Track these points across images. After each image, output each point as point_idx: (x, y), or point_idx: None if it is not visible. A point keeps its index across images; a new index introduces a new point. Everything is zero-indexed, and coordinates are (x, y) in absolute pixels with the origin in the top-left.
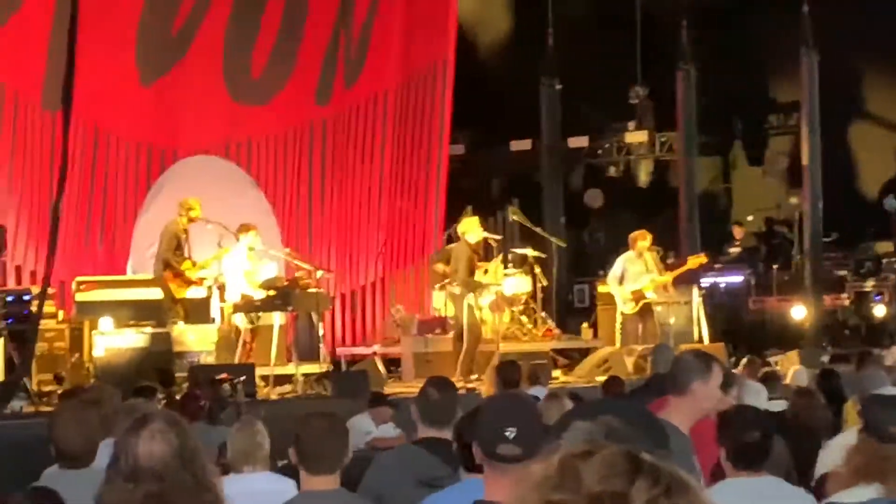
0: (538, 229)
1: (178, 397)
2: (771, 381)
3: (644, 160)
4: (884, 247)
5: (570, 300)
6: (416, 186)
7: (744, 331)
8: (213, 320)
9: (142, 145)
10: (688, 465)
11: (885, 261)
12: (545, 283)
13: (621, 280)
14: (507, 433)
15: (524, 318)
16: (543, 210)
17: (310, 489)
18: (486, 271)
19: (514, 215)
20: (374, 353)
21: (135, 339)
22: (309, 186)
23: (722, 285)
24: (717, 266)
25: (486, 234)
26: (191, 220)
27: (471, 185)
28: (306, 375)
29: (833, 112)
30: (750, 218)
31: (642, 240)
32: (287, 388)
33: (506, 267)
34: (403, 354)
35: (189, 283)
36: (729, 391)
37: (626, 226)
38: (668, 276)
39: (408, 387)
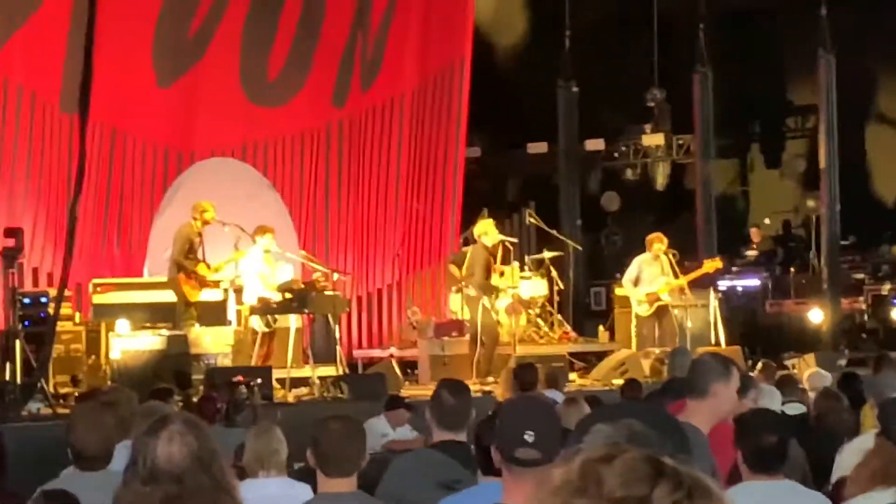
0: (554, 232)
1: (194, 399)
2: (787, 384)
3: (661, 163)
4: None
5: (587, 303)
6: (432, 189)
7: (761, 334)
8: (230, 323)
9: (159, 147)
10: (708, 465)
11: None
12: (561, 285)
13: (636, 282)
14: (526, 437)
15: (541, 321)
16: (560, 213)
17: (327, 491)
18: (502, 274)
19: (530, 218)
20: (391, 356)
21: (151, 341)
22: (325, 188)
23: (739, 288)
24: (734, 269)
25: (502, 237)
26: (205, 222)
27: (487, 188)
28: (323, 378)
29: (850, 115)
30: (767, 221)
31: (658, 242)
32: (303, 390)
33: (522, 270)
34: (420, 357)
35: (203, 286)
36: (746, 395)
37: (643, 228)
38: (684, 280)
39: (424, 389)
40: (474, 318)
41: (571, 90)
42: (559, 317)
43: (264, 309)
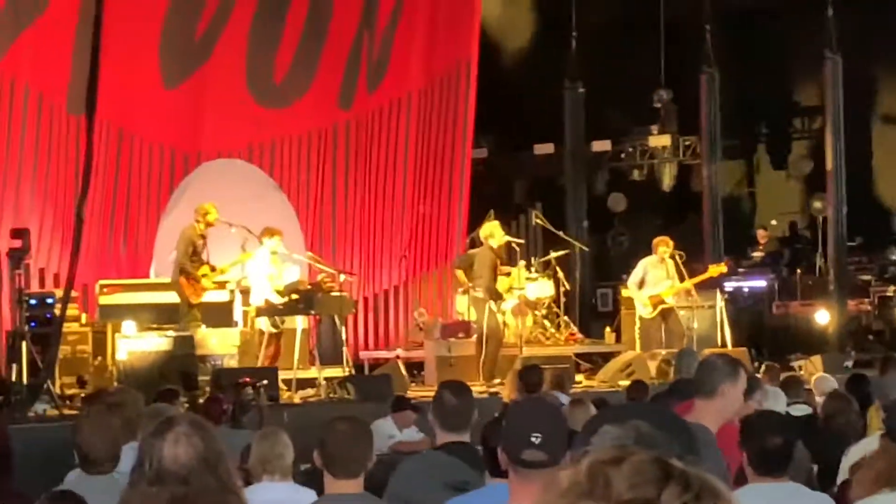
0: (561, 233)
1: (200, 401)
2: (793, 385)
3: (667, 164)
4: None
5: (594, 304)
6: (438, 190)
7: (767, 335)
8: (236, 324)
9: (165, 148)
10: (717, 464)
11: None
12: (568, 287)
13: (641, 284)
14: (532, 438)
15: (547, 323)
16: (566, 214)
17: (334, 492)
18: (508, 275)
19: (536, 219)
20: (397, 357)
21: (158, 342)
22: (332, 189)
23: (745, 290)
24: (740, 270)
25: (508, 238)
26: (208, 224)
27: (494, 189)
28: (329, 379)
29: (857, 116)
30: (774, 222)
31: (663, 246)
32: (310, 391)
33: (529, 271)
34: (426, 358)
35: (206, 288)
36: (752, 396)
37: (650, 230)
38: (688, 283)
39: (431, 391)
40: (481, 319)
41: (578, 91)
42: (565, 318)
43: (271, 310)
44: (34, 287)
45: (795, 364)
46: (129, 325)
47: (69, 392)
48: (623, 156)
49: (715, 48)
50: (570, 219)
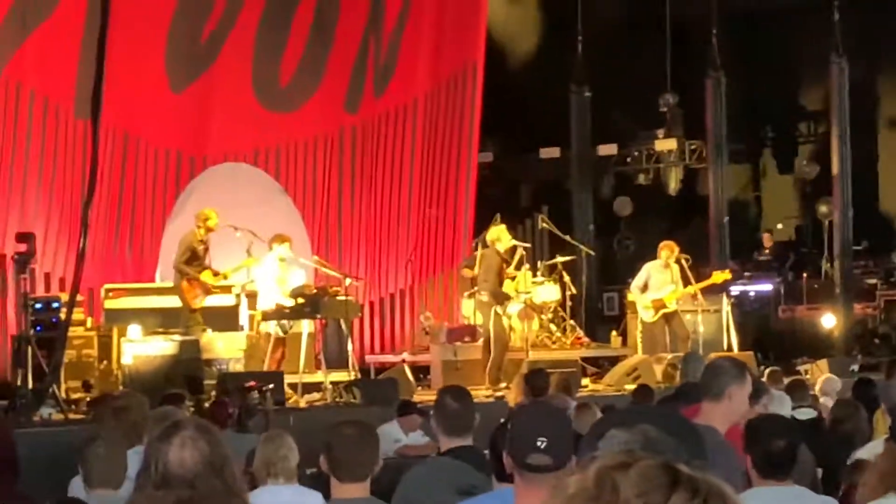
0: (567, 237)
1: (206, 405)
2: (798, 389)
3: (673, 168)
4: None
5: (600, 308)
6: (444, 194)
7: (773, 339)
8: (242, 328)
9: (171, 152)
10: (727, 466)
11: None
12: (574, 290)
13: (644, 288)
14: (538, 443)
15: (553, 326)
16: (573, 218)
17: (340, 497)
18: (514, 279)
19: (543, 223)
20: (403, 361)
21: (163, 346)
22: (338, 193)
23: (751, 293)
24: (746, 274)
25: (515, 242)
26: (208, 230)
27: (499, 193)
28: (335, 383)
29: (863, 120)
30: (780, 226)
31: (667, 250)
32: (316, 395)
33: (535, 275)
34: (432, 362)
35: (206, 292)
36: (758, 400)
37: (656, 233)
38: (692, 289)
39: (437, 395)
40: (487, 323)
41: (584, 95)
42: (572, 322)
43: (277, 314)
44: (40, 291)
45: (801, 368)
46: (134, 329)
47: (75, 396)
48: (629, 160)
49: (721, 52)
50: (577, 223)
